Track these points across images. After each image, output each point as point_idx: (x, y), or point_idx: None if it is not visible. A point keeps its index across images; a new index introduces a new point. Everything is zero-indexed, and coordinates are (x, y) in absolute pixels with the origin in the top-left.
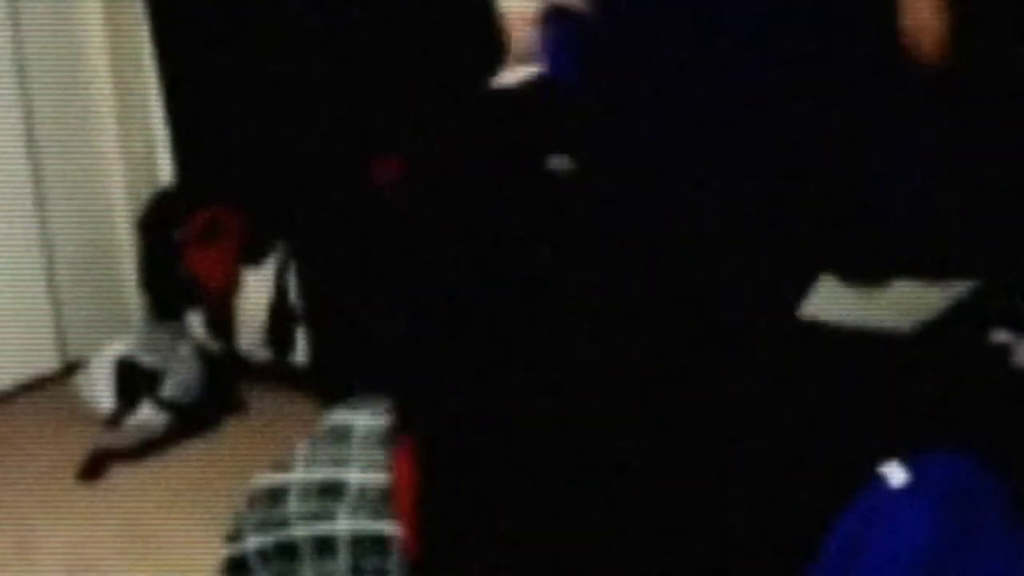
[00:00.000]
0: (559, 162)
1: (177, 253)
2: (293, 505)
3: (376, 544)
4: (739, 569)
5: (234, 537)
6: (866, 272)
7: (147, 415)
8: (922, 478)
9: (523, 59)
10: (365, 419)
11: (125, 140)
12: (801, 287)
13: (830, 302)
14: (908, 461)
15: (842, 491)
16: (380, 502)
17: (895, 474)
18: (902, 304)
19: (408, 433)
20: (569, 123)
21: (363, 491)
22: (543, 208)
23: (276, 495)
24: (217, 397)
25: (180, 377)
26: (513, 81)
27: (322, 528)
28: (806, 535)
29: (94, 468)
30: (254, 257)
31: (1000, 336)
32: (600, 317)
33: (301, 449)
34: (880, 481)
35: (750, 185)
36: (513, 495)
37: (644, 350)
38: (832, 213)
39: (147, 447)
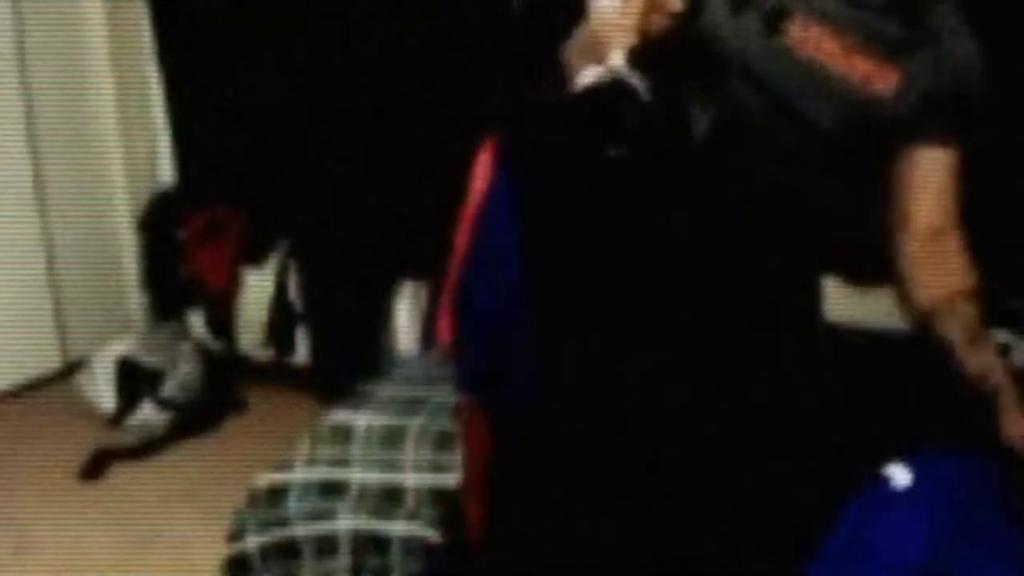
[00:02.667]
0: (616, 151)
1: (178, 253)
2: (294, 504)
3: (377, 543)
4: (740, 568)
5: (235, 536)
6: (866, 272)
7: (148, 415)
8: (924, 478)
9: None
10: (365, 418)
11: (126, 141)
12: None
13: (831, 302)
14: (909, 461)
15: (844, 491)
16: (381, 501)
17: (897, 474)
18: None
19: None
20: (627, 120)
21: (364, 490)
22: (607, 190)
23: (277, 494)
24: (218, 397)
25: (181, 377)
26: (591, 79)
27: (323, 527)
28: (807, 535)
29: (95, 467)
30: (254, 257)
31: (1000, 336)
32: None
33: (301, 448)
34: (882, 481)
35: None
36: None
37: (663, 343)
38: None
39: (148, 447)
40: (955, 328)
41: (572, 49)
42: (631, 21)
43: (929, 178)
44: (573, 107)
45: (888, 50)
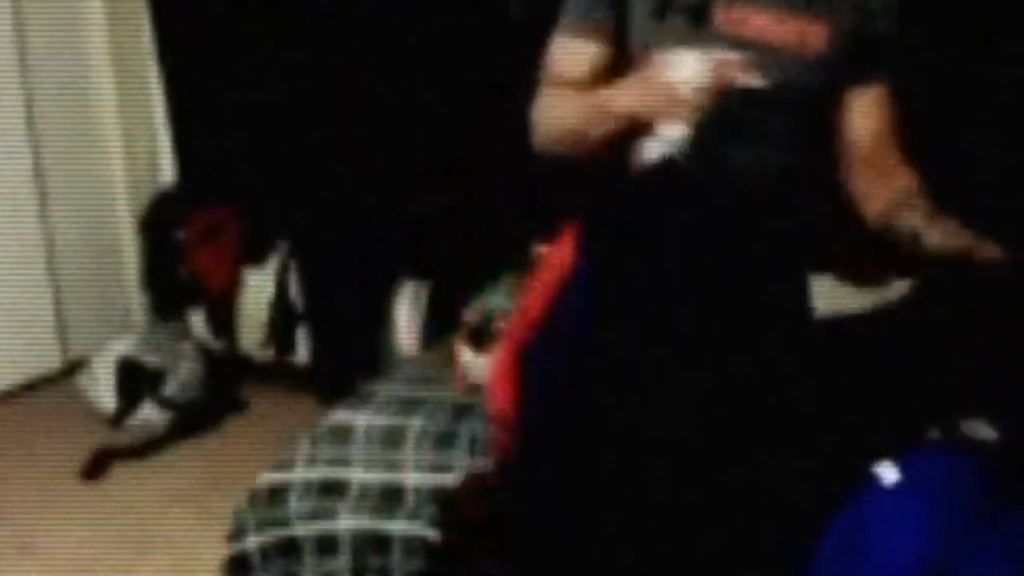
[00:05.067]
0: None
1: (179, 253)
2: (294, 504)
3: (377, 543)
4: (731, 570)
5: (235, 536)
6: (865, 271)
7: (149, 414)
8: (915, 477)
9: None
10: (365, 418)
11: (127, 140)
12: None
13: (829, 301)
14: (901, 460)
15: (835, 491)
16: (381, 501)
17: (888, 473)
18: None
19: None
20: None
21: (364, 490)
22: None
23: (277, 494)
24: (218, 396)
25: (181, 376)
26: (654, 155)
27: (323, 527)
28: (799, 535)
29: (96, 467)
30: (255, 257)
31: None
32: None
33: (302, 448)
34: (873, 480)
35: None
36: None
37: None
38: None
39: (149, 446)
40: (912, 215)
41: (576, 110)
42: (701, 97)
43: (863, 108)
44: (647, 188)
45: (812, 6)
